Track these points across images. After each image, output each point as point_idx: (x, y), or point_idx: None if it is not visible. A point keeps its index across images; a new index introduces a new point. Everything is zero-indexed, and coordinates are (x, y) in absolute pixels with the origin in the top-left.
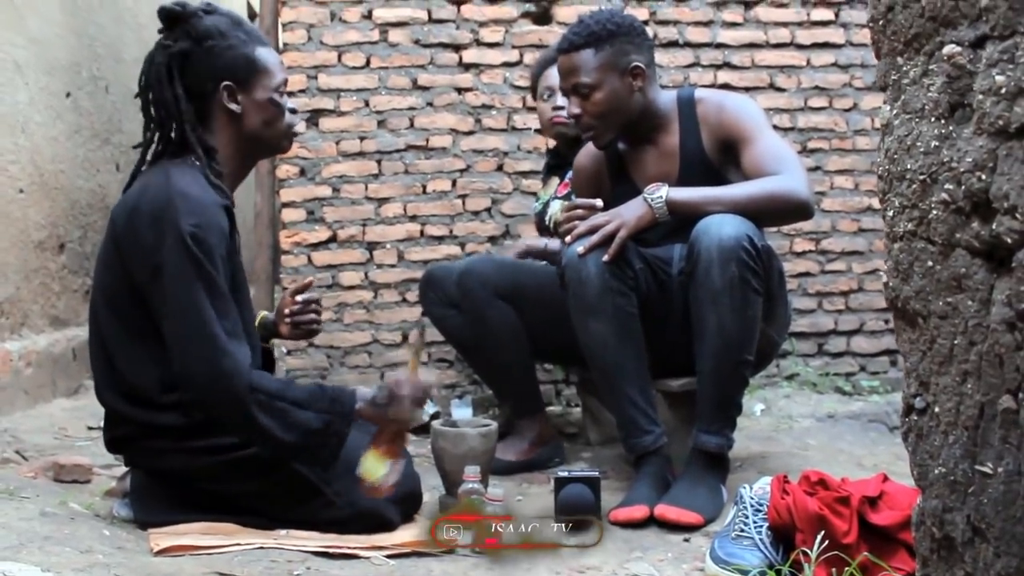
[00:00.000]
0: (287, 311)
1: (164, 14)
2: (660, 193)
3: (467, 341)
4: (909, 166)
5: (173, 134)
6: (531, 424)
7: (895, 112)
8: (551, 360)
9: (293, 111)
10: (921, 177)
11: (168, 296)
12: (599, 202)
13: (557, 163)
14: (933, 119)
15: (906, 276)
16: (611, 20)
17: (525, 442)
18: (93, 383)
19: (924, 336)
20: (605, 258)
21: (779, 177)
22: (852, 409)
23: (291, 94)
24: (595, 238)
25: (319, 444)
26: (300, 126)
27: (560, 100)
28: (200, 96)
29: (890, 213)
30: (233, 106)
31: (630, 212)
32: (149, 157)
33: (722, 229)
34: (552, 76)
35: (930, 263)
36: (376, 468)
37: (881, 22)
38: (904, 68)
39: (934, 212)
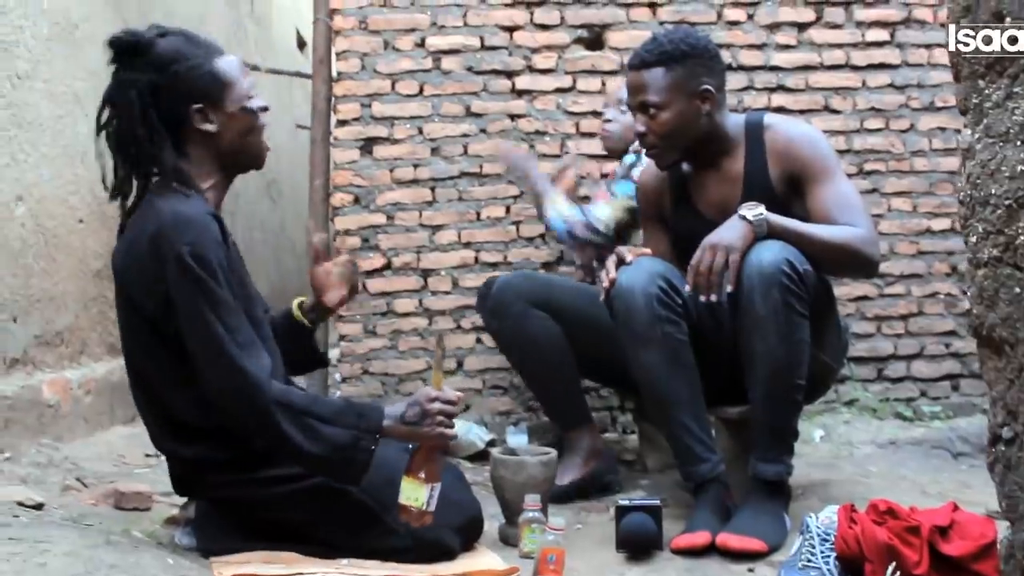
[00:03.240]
0: (327, 267)
1: (119, 46)
2: (760, 212)
3: (512, 352)
4: (993, 191)
5: (149, 168)
6: (581, 437)
7: (977, 136)
8: (594, 377)
9: (264, 109)
10: (1007, 202)
11: (182, 321)
12: (647, 251)
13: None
14: (1019, 143)
15: (991, 303)
16: (685, 40)
17: (578, 458)
18: (149, 434)
19: (1012, 364)
20: (728, 288)
21: (862, 233)
22: (914, 435)
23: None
24: (715, 278)
25: (346, 460)
26: (268, 117)
27: (609, 113)
28: (175, 123)
29: (973, 239)
30: (208, 126)
31: (734, 235)
32: (133, 197)
33: (762, 255)
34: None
35: (1018, 290)
36: (416, 494)
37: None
38: (986, 91)
39: (1022, 238)
